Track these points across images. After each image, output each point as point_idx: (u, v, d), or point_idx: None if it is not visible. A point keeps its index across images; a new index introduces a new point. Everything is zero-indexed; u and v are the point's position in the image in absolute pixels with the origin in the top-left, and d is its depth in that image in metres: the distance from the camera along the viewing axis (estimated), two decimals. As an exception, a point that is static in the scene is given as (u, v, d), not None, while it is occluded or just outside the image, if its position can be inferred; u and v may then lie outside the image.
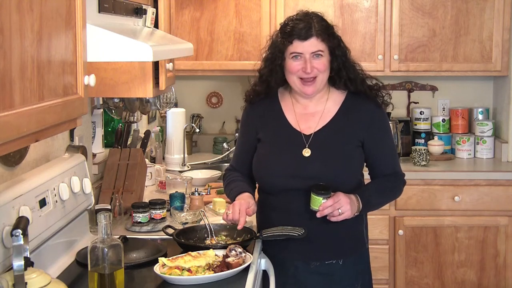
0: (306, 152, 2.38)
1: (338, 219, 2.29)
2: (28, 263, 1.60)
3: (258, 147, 2.47)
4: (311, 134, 2.40)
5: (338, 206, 2.27)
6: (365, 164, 2.48)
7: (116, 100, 3.03)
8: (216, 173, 3.76)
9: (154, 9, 2.66)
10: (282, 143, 2.43)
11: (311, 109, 2.44)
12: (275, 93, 2.50)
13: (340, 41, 2.42)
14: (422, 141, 4.32)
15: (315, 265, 2.39)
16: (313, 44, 2.33)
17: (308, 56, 2.33)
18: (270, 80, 2.45)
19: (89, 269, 1.88)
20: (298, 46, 2.34)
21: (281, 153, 2.41)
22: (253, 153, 2.47)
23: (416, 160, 3.99)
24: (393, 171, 2.48)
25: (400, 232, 3.83)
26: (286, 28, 2.38)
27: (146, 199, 3.01)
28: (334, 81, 2.43)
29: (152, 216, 2.70)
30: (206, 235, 2.44)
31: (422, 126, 4.39)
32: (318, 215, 2.28)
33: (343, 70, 2.40)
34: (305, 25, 2.34)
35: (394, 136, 4.02)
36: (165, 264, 2.06)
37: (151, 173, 3.46)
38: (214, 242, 2.39)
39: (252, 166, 2.47)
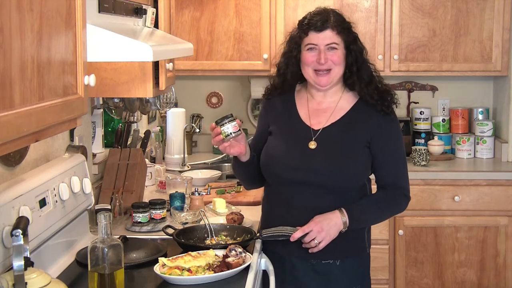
0: (312, 145, 2.38)
1: (319, 248, 2.31)
2: (28, 263, 1.61)
3: (268, 140, 2.48)
4: (320, 129, 2.41)
5: (308, 240, 2.30)
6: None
7: (116, 100, 3.04)
8: (216, 173, 3.76)
9: (154, 9, 2.66)
10: (290, 136, 2.44)
11: (325, 105, 2.45)
12: (292, 90, 2.52)
13: (357, 38, 2.44)
14: (422, 141, 4.32)
15: (312, 263, 2.39)
16: (328, 36, 2.36)
17: (322, 48, 2.36)
18: (286, 73, 2.47)
19: (89, 269, 1.88)
20: (313, 37, 2.36)
21: (287, 145, 2.42)
22: (262, 145, 2.49)
23: (416, 160, 3.99)
24: (395, 181, 2.43)
25: (400, 232, 3.83)
26: (303, 21, 2.42)
27: (146, 199, 3.01)
28: (346, 80, 2.43)
29: (152, 216, 2.70)
30: (206, 235, 2.44)
31: (422, 126, 4.39)
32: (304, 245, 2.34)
33: (354, 65, 2.39)
34: (321, 17, 2.38)
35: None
36: (165, 264, 2.06)
37: (151, 173, 3.46)
38: (214, 242, 2.39)
39: (259, 159, 2.48)
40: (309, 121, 2.44)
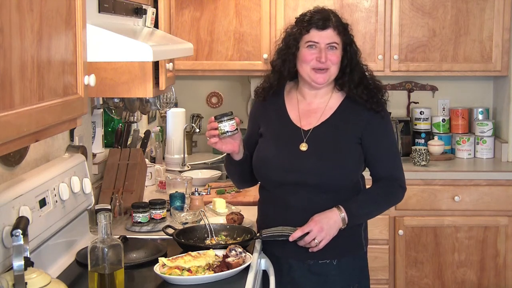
0: (303, 147, 2.38)
1: (319, 247, 2.32)
2: (28, 263, 1.61)
3: (259, 142, 2.48)
4: (310, 129, 2.41)
5: (309, 240, 2.29)
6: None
7: (116, 100, 3.04)
8: (216, 173, 3.77)
9: (154, 9, 2.66)
10: (281, 138, 2.44)
11: (315, 105, 2.45)
12: (282, 90, 2.51)
13: (353, 41, 2.44)
14: (422, 141, 4.32)
15: (309, 264, 2.39)
16: (330, 35, 2.36)
17: (323, 46, 2.35)
18: (283, 70, 2.45)
19: (89, 269, 1.88)
20: (315, 35, 2.36)
21: (279, 147, 2.42)
22: (254, 147, 2.49)
23: (416, 160, 3.99)
24: (390, 174, 2.44)
25: (400, 232, 3.83)
26: (303, 18, 2.41)
27: (146, 199, 3.02)
28: (337, 80, 2.43)
29: (152, 216, 2.70)
30: (206, 235, 2.44)
31: (422, 126, 4.38)
32: (298, 243, 2.33)
33: (348, 67, 2.40)
34: (323, 16, 2.37)
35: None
36: (165, 264, 2.06)
37: (151, 173, 3.46)
38: (214, 242, 2.39)
39: (251, 159, 2.48)
40: (299, 122, 2.43)
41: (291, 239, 2.30)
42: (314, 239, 2.29)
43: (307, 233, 2.30)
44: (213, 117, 2.33)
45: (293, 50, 2.40)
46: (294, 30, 2.42)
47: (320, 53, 2.35)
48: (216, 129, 2.31)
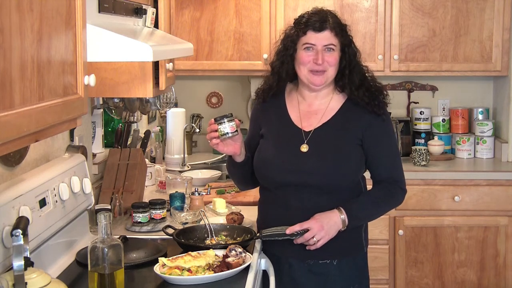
0: (304, 148, 2.38)
1: (316, 246, 2.31)
2: (28, 263, 1.61)
3: (260, 143, 2.48)
4: (311, 130, 2.41)
5: (309, 237, 2.29)
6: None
7: (116, 100, 3.04)
8: (216, 173, 3.77)
9: (154, 9, 2.66)
10: (282, 139, 2.44)
11: (315, 107, 2.45)
12: (282, 91, 2.51)
13: (352, 41, 2.43)
14: (422, 141, 4.32)
15: (310, 264, 2.39)
16: (327, 37, 2.35)
17: (320, 48, 2.35)
18: (281, 71, 2.45)
19: (89, 269, 1.88)
20: (311, 37, 2.35)
21: (280, 148, 2.42)
22: (255, 148, 2.49)
23: (416, 160, 3.99)
24: (390, 176, 2.44)
25: (400, 232, 3.83)
26: (301, 20, 2.40)
27: (146, 199, 3.02)
28: (337, 81, 2.43)
29: (152, 216, 2.70)
30: (206, 235, 2.44)
31: (422, 126, 4.39)
32: (294, 242, 2.32)
33: (347, 68, 2.39)
34: (320, 17, 2.37)
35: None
36: (165, 264, 2.06)
37: (151, 173, 3.46)
38: (214, 242, 2.39)
39: (252, 159, 2.48)
40: (300, 123, 2.43)
41: (288, 231, 2.29)
42: (313, 237, 2.29)
43: (307, 230, 2.30)
44: (213, 119, 2.33)
45: (290, 52, 2.41)
46: (292, 32, 2.42)
47: (317, 55, 2.35)
48: (216, 131, 2.31)
